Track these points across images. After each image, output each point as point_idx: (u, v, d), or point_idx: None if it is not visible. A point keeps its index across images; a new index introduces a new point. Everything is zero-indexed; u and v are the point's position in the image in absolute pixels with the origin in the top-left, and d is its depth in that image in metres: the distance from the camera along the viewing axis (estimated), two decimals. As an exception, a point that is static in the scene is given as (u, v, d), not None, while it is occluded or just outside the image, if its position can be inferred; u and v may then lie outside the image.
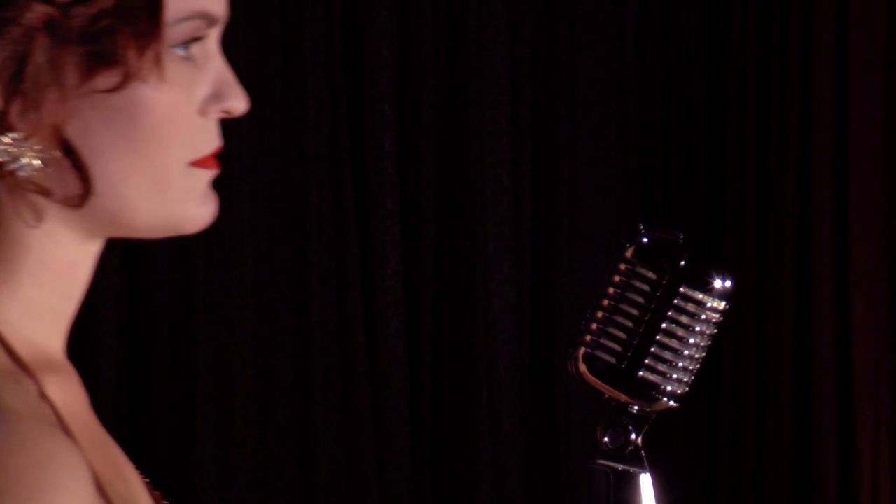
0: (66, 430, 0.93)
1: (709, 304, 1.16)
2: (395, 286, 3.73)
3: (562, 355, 3.64)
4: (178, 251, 3.54)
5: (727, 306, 1.16)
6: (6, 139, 0.96)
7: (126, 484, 1.02)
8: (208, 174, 1.04)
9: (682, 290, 1.15)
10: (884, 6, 3.56)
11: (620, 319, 1.16)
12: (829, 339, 3.64)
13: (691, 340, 1.16)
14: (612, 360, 1.16)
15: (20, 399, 0.93)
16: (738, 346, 3.77)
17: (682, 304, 1.15)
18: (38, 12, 0.94)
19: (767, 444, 3.73)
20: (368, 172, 3.73)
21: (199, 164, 1.03)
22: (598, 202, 3.91)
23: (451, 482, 3.81)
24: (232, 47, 3.13)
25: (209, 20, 1.00)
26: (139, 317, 3.58)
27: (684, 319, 1.15)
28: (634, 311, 1.16)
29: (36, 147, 0.96)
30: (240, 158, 3.60)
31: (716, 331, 1.17)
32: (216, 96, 1.03)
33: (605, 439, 1.18)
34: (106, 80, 0.96)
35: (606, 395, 1.18)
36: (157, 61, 0.98)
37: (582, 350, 1.17)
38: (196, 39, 1.01)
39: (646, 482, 1.18)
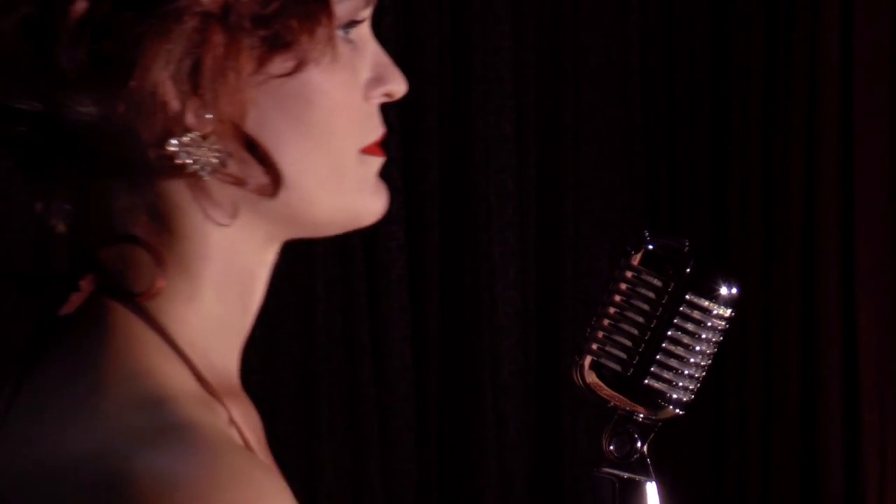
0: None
1: (715, 312, 1.15)
2: (400, 291, 3.73)
3: (567, 362, 3.63)
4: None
5: (733, 313, 1.15)
6: (185, 139, 0.91)
7: None
8: (378, 161, 1.02)
9: (687, 297, 1.14)
10: (889, 8, 3.56)
11: (626, 327, 1.15)
12: (835, 344, 3.63)
13: (697, 348, 1.15)
14: (617, 367, 1.16)
15: (217, 428, 0.89)
16: (743, 353, 3.76)
17: (688, 311, 1.15)
18: None
19: (773, 451, 3.72)
20: (373, 177, 3.72)
21: (368, 151, 1.02)
22: (603, 207, 3.90)
23: (457, 488, 3.81)
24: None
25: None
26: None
27: (690, 327, 1.15)
28: (640, 319, 1.15)
29: (215, 145, 0.92)
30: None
31: (722, 338, 1.16)
32: (377, 80, 1.01)
33: (611, 447, 1.18)
34: (280, 65, 0.92)
35: (612, 403, 1.17)
36: (330, 42, 0.94)
37: (588, 358, 1.17)
38: (355, 23, 0.97)
39: (651, 490, 1.17)
